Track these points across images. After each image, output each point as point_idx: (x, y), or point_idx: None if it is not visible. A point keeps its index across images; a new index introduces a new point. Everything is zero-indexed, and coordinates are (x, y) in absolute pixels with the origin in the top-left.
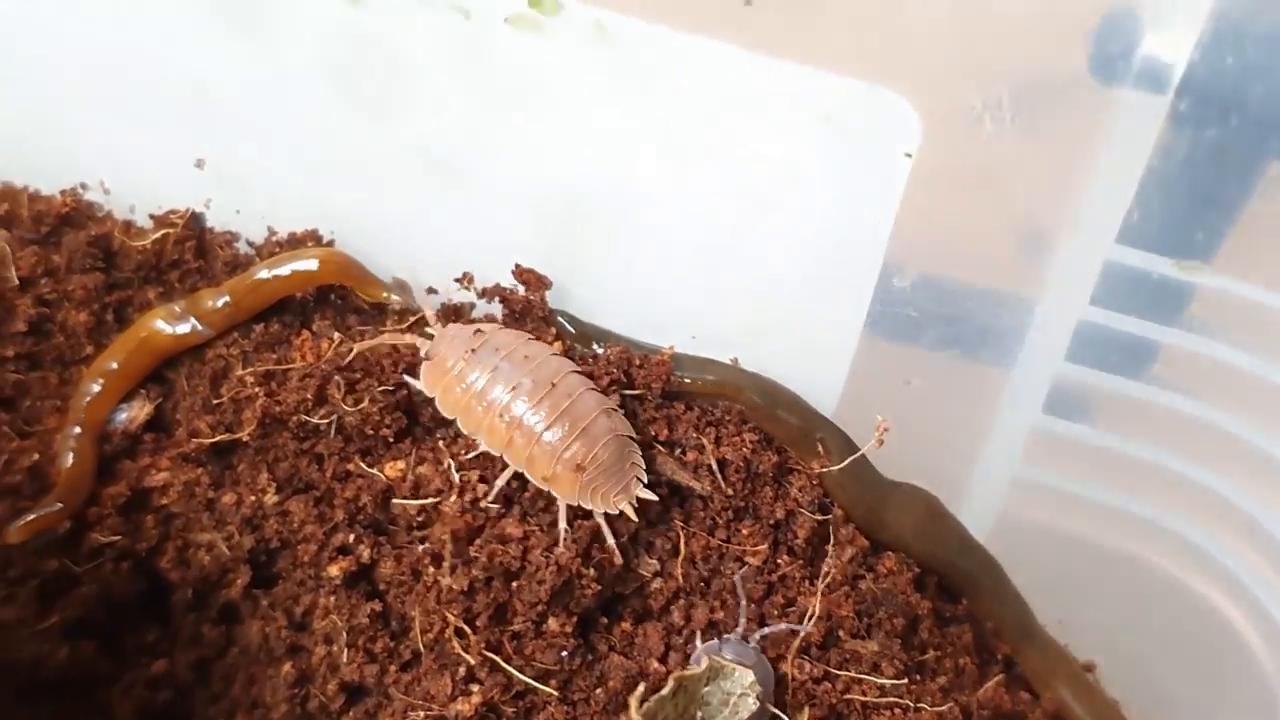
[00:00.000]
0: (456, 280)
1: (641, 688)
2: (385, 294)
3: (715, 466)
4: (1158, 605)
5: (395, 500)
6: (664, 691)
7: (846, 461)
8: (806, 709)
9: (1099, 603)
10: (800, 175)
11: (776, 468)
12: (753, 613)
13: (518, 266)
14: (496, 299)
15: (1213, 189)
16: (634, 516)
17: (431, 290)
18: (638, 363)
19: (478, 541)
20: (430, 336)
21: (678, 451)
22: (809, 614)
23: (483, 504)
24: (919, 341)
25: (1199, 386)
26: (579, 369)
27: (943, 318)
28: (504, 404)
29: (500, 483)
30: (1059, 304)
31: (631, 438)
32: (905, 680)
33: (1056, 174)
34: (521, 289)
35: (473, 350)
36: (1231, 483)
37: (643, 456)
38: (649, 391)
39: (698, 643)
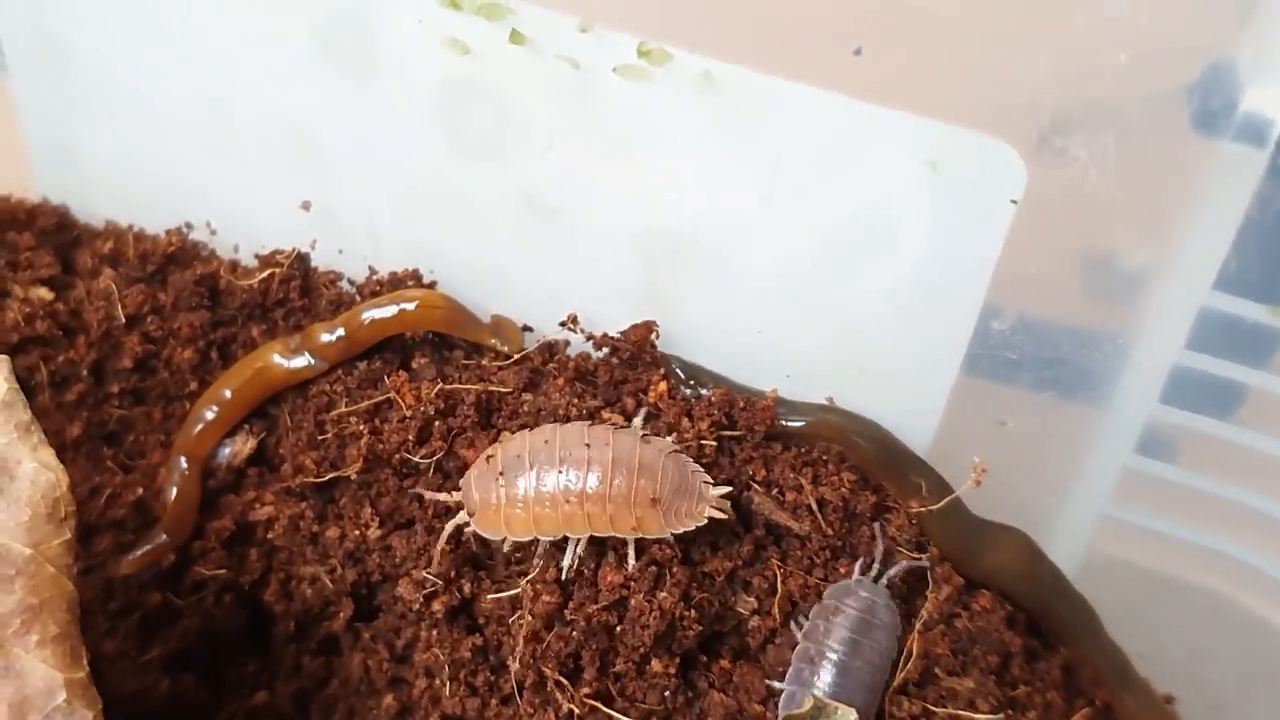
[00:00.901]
0: (562, 324)
1: None
2: (490, 340)
3: (815, 506)
4: (1239, 641)
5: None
6: None
7: (944, 502)
8: None
9: (1179, 635)
10: (904, 220)
11: (874, 507)
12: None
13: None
14: (606, 348)
15: None
16: (727, 513)
17: (527, 328)
18: (741, 405)
19: (571, 604)
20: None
21: (775, 491)
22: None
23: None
24: (1015, 383)
25: None
26: (589, 422)
27: (1040, 360)
28: (561, 489)
29: (570, 559)
30: (1154, 347)
31: (676, 450)
32: (1000, 716)
33: (1156, 221)
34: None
35: (500, 474)
36: None
37: (743, 496)
38: (750, 433)
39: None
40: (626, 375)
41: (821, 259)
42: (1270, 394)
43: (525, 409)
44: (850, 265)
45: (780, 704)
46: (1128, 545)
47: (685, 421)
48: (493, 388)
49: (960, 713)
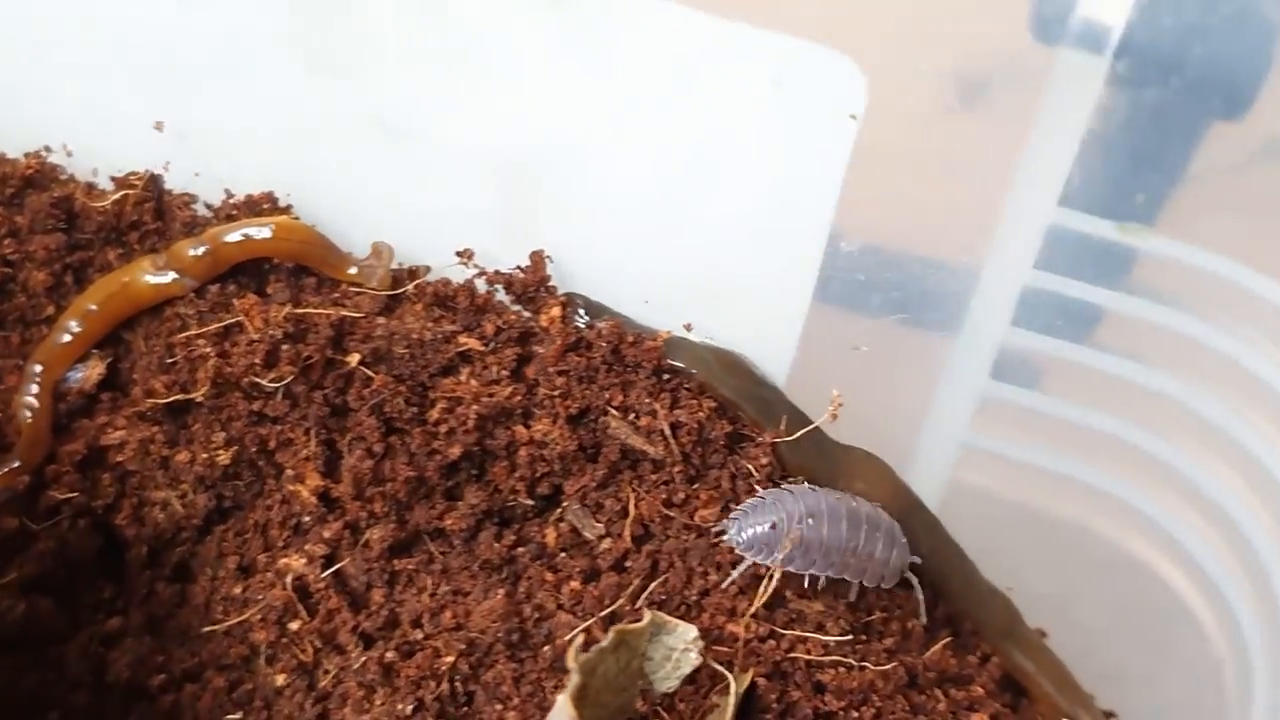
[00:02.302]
0: (458, 254)
1: (581, 639)
2: (349, 272)
3: (669, 431)
4: (1105, 572)
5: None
6: (604, 644)
7: (799, 434)
8: (751, 667)
9: (1048, 570)
10: (748, 138)
11: (729, 435)
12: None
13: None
14: (501, 286)
15: (1152, 151)
16: None
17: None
18: (630, 340)
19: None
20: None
21: (631, 416)
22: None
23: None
24: (866, 307)
25: (1144, 351)
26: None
27: (889, 283)
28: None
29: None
30: (1003, 269)
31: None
32: (850, 638)
33: (999, 138)
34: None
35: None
36: (1175, 448)
37: (599, 420)
38: (641, 371)
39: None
40: (489, 301)
41: (673, 181)
42: (1126, 315)
43: (379, 333)
44: (701, 187)
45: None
46: (989, 475)
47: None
48: (345, 312)
49: (809, 635)
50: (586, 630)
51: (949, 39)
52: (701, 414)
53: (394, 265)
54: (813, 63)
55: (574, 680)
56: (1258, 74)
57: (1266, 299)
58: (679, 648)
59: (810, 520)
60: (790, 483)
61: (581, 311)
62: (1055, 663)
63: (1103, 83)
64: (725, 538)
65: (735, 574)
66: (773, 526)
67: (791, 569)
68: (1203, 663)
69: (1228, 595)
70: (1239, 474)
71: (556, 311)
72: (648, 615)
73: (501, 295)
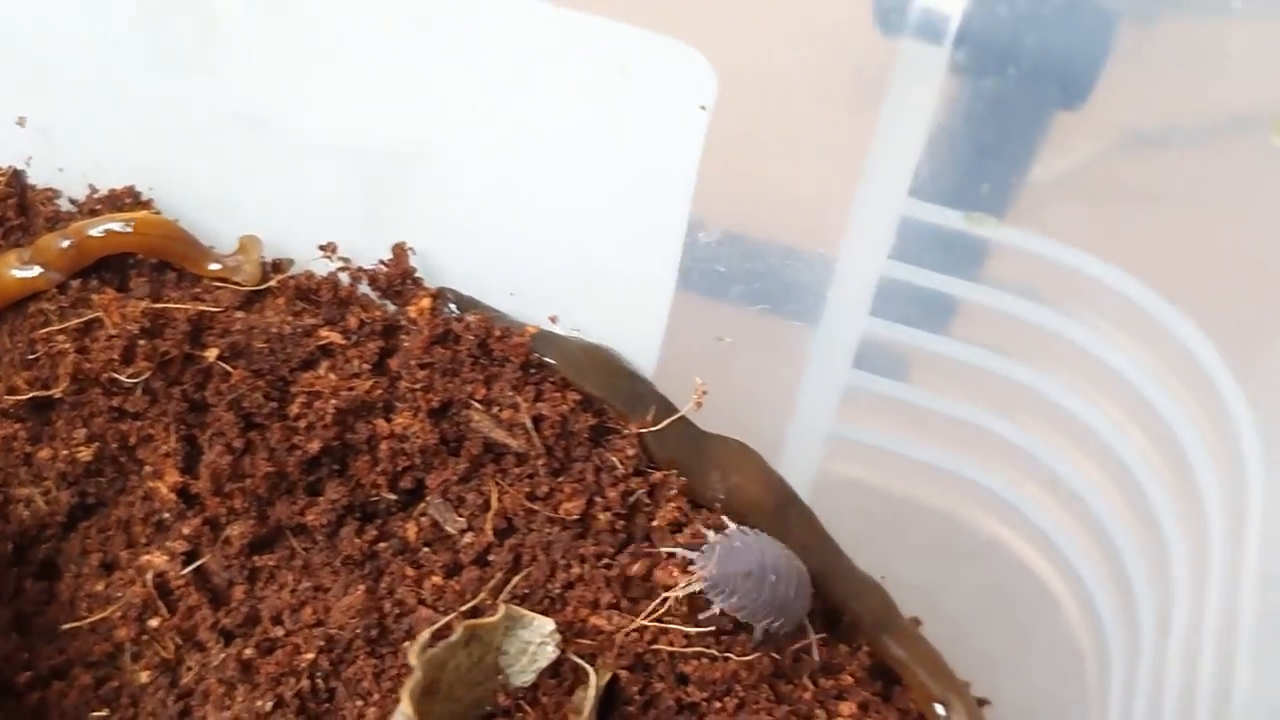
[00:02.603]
0: (321, 248)
1: (426, 634)
2: (212, 265)
3: (530, 424)
4: (973, 560)
5: None
6: (452, 639)
7: (665, 423)
8: (613, 660)
9: (918, 560)
10: (600, 128)
11: (593, 428)
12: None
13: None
14: (365, 280)
15: (995, 141)
16: None
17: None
18: (498, 334)
19: None
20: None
21: (494, 409)
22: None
23: None
24: (728, 297)
25: (999, 340)
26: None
27: (749, 273)
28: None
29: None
30: (858, 259)
31: None
32: (715, 629)
33: (848, 129)
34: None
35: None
36: (1033, 436)
37: (462, 414)
38: (507, 364)
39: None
40: (352, 294)
41: (531, 172)
42: (981, 305)
43: (237, 328)
44: (559, 178)
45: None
46: (857, 464)
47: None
48: (204, 307)
49: (672, 625)
50: (447, 625)
51: (796, 29)
52: (565, 407)
53: (263, 259)
54: (659, 53)
55: (415, 677)
56: (1093, 64)
57: (1112, 287)
58: (535, 641)
59: (773, 577)
60: (744, 529)
61: (452, 305)
62: (930, 651)
63: (944, 73)
64: (696, 568)
65: (676, 593)
66: (746, 574)
67: (737, 615)
68: (1065, 646)
69: (1085, 579)
70: (1093, 460)
71: (426, 304)
72: (501, 609)
73: (368, 289)
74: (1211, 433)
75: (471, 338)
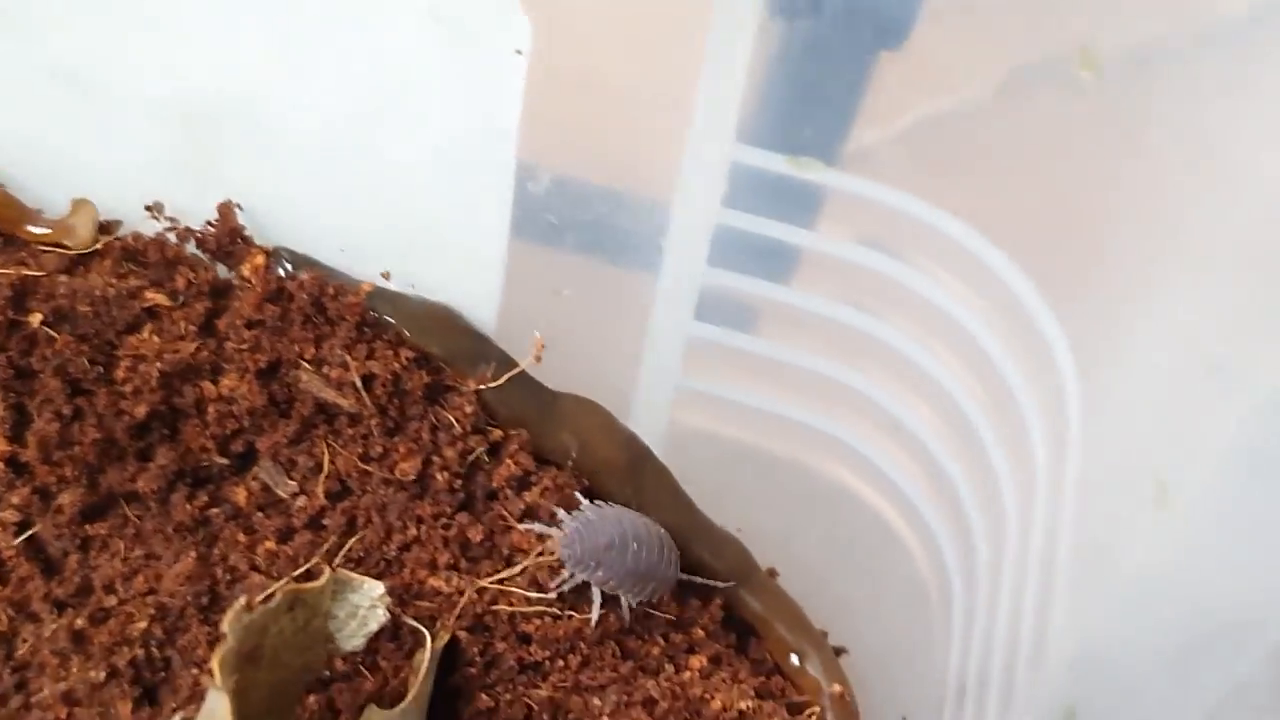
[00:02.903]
0: (148, 208)
1: (241, 600)
2: (37, 229)
3: (359, 383)
4: (824, 507)
5: None
6: (272, 604)
7: (504, 379)
8: (452, 622)
9: (771, 509)
10: (420, 78)
11: (429, 386)
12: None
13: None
14: (194, 241)
15: (815, 83)
16: None
17: None
18: (332, 292)
19: None
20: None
21: (324, 369)
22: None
23: None
24: (562, 247)
25: (836, 288)
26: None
27: (581, 223)
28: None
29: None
30: (692, 206)
31: None
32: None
33: (672, 73)
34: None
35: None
36: (873, 383)
37: (290, 375)
38: (340, 325)
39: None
40: (180, 254)
41: (352, 123)
42: (817, 253)
43: (61, 292)
44: (381, 129)
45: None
46: (706, 416)
47: (270, 307)
48: (27, 271)
49: (514, 589)
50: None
51: None
52: (397, 365)
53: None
54: None
55: (227, 644)
56: (909, 4)
57: (941, 230)
58: (365, 605)
59: (635, 545)
60: (599, 503)
61: (287, 264)
62: (787, 603)
63: (763, 13)
64: (553, 547)
65: (530, 562)
66: (607, 546)
67: (603, 588)
68: (913, 589)
69: (929, 522)
70: (930, 404)
71: (260, 260)
72: (326, 573)
73: (197, 250)
74: (1035, 372)
75: (305, 296)
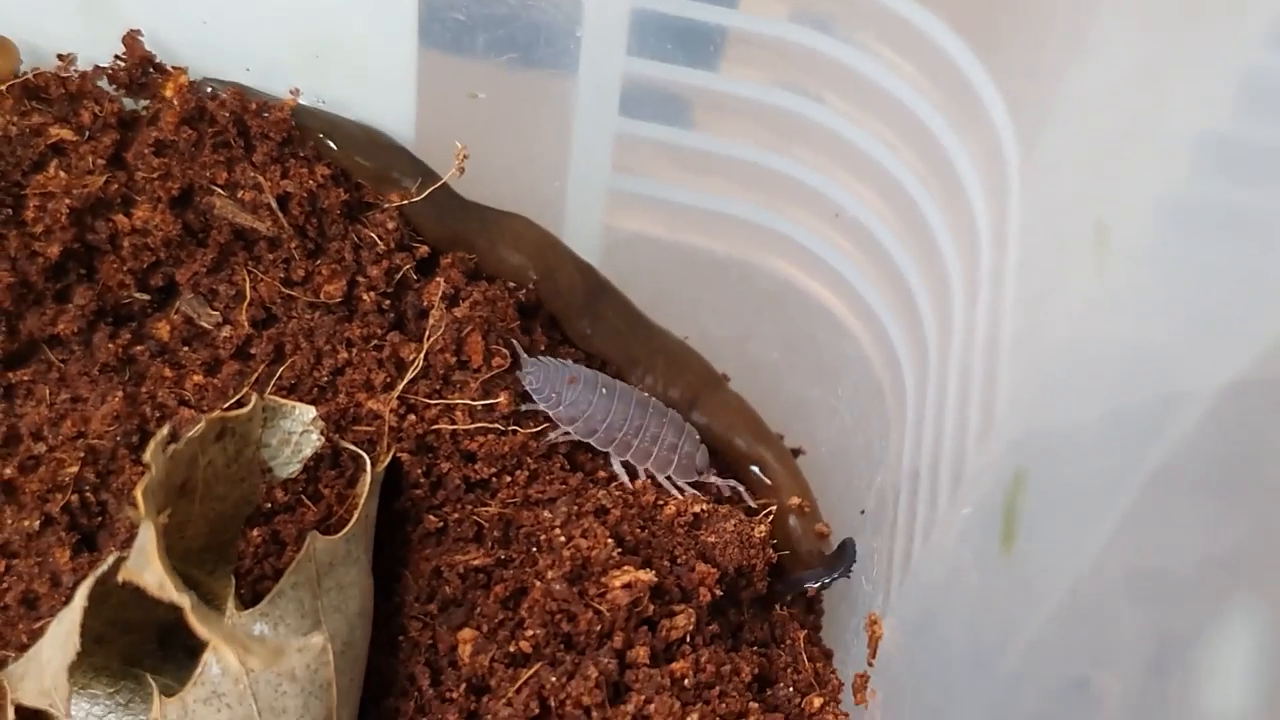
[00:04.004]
0: (61, 57)
1: (164, 431)
2: None
3: (274, 204)
4: (774, 306)
5: None
6: (196, 433)
7: (428, 192)
8: (393, 444)
9: (721, 312)
10: None
11: (347, 204)
12: None
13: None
14: (106, 79)
15: None
16: None
17: None
18: (254, 108)
19: None
20: None
21: (238, 194)
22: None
23: None
24: (474, 49)
25: (765, 69)
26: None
27: (491, 20)
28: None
29: None
30: None
31: None
32: (500, 400)
33: None
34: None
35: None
36: (813, 170)
37: (203, 201)
38: (258, 145)
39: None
40: (84, 88)
41: None
42: (746, 33)
43: None
44: None
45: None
46: (643, 218)
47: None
48: None
49: (456, 402)
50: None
51: None
52: (313, 183)
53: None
54: None
55: (150, 474)
56: None
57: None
58: (297, 431)
59: (604, 389)
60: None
61: (210, 88)
62: (747, 414)
63: None
64: (521, 376)
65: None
66: (570, 381)
67: (576, 435)
68: (866, 381)
69: (878, 311)
70: (872, 188)
71: (184, 80)
72: (254, 399)
73: (106, 85)
74: (973, 137)
75: (227, 114)
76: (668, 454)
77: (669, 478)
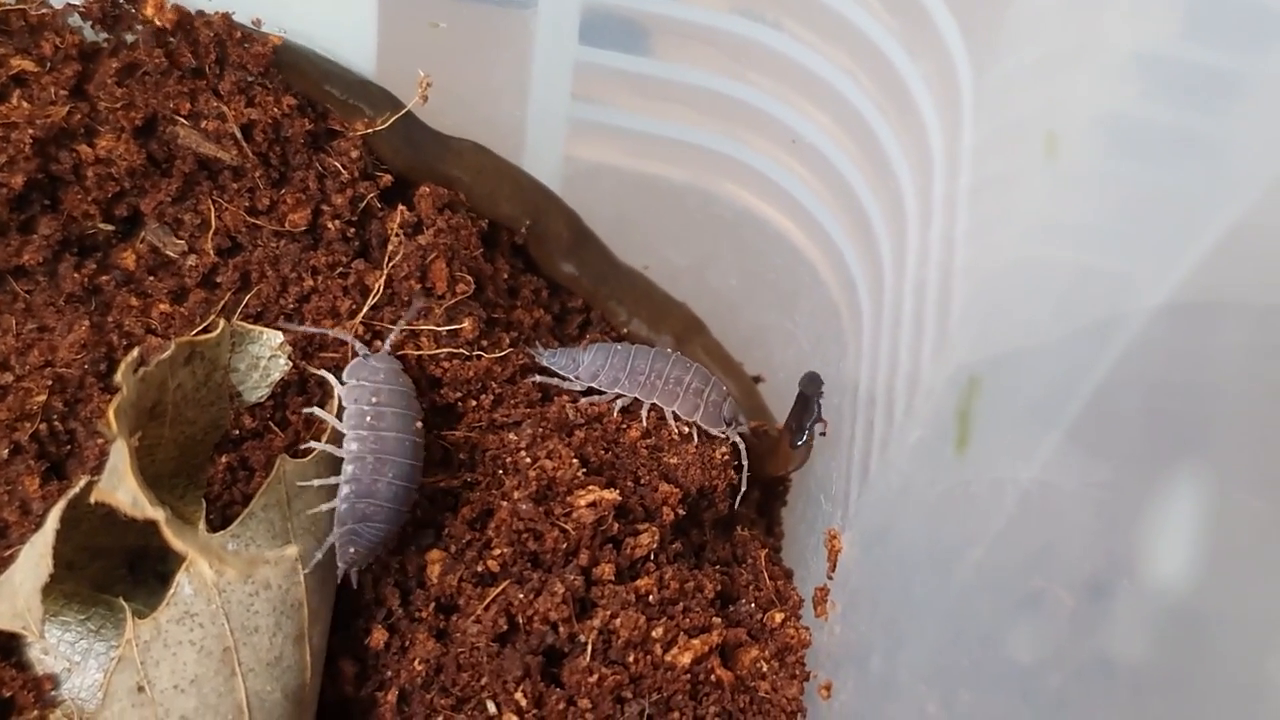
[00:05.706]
0: None
1: (135, 353)
2: None
3: (238, 134)
4: (734, 235)
5: None
6: (165, 355)
7: (391, 120)
8: None
9: (681, 241)
10: None
11: (311, 134)
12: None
13: None
14: (78, 15)
15: None
16: None
17: None
18: (239, 36)
19: None
20: None
21: (202, 124)
22: (375, 289)
23: None
24: None
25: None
26: None
27: None
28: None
29: None
30: None
31: None
32: (464, 326)
33: None
34: None
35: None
36: (771, 97)
37: (167, 131)
38: (236, 70)
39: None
40: (44, 20)
41: None
42: None
43: None
44: None
45: None
46: (603, 147)
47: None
48: None
49: (439, 328)
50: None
51: None
52: (277, 112)
53: None
54: None
55: (122, 394)
56: None
57: None
58: (265, 355)
59: (618, 347)
60: None
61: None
62: (722, 355)
63: None
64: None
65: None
66: (584, 346)
67: (596, 385)
68: (824, 306)
69: (834, 236)
70: (827, 113)
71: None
72: (221, 324)
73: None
74: (930, 66)
75: (211, 34)
76: (694, 399)
77: (696, 424)
